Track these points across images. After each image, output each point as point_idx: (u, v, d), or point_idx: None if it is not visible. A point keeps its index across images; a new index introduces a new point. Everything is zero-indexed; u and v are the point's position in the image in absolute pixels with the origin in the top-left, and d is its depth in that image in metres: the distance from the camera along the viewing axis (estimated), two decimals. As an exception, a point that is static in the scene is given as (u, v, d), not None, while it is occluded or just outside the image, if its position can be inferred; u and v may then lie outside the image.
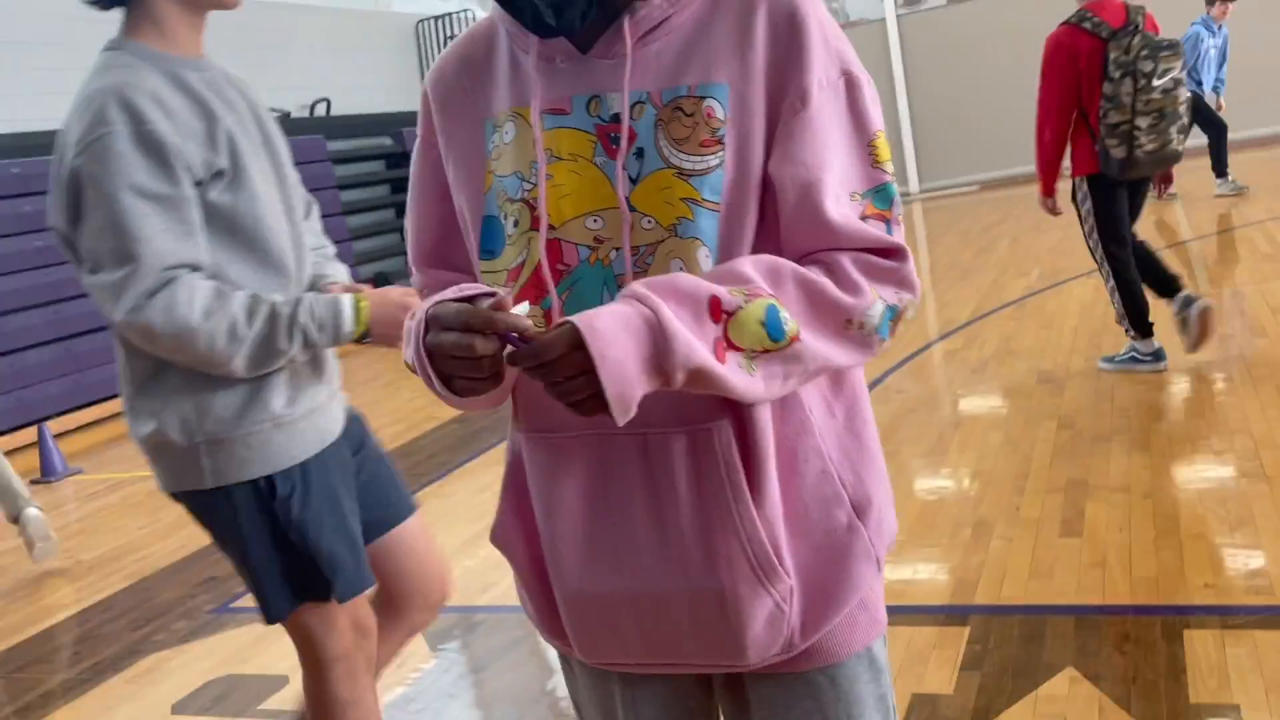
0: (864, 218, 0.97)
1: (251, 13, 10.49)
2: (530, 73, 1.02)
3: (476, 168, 1.06)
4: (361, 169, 10.73)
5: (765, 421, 0.98)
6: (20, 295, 7.35)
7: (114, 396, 7.86)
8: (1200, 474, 3.31)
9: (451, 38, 11.96)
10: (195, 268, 1.63)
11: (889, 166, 1.01)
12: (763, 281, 0.92)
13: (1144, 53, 3.95)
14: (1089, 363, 4.60)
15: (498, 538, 1.12)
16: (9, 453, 6.99)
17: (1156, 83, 3.95)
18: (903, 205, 1.03)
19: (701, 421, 0.97)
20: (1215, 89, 8.61)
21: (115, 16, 1.76)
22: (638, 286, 0.90)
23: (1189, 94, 4.14)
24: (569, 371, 0.85)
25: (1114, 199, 4.20)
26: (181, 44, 1.70)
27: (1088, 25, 4.07)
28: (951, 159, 13.04)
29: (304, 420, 1.78)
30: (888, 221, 0.98)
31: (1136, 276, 4.24)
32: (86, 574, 4.24)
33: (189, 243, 1.62)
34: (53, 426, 7.07)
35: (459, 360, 0.89)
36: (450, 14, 11.99)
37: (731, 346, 0.90)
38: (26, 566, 4.46)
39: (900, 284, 0.98)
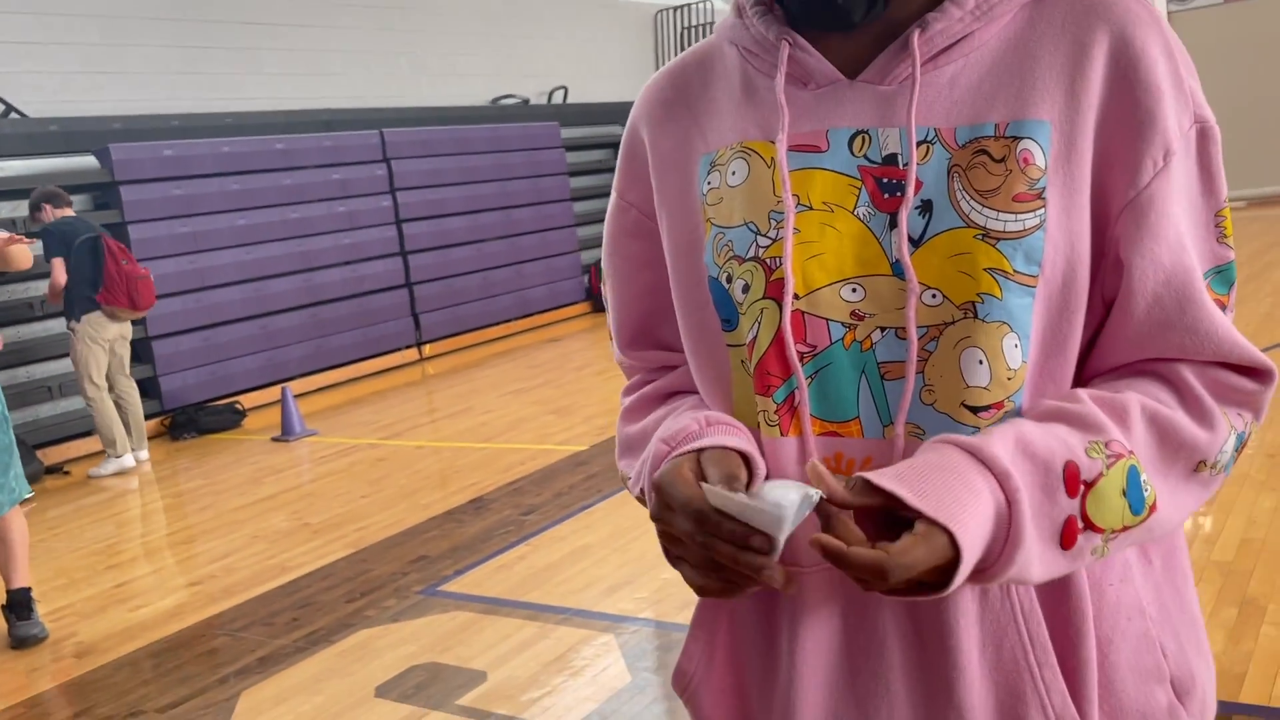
0: None
1: (500, 3, 10.80)
2: (777, 98, 0.81)
3: (690, 216, 0.86)
4: (591, 157, 10.91)
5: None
6: (276, 263, 7.89)
7: (353, 361, 8.35)
8: None
9: (690, 28, 11.96)
10: None
11: (1232, 240, 0.80)
12: (1115, 426, 0.72)
13: None
14: (1388, 421, 4.00)
15: (685, 685, 0.90)
16: (254, 409, 7.54)
17: None
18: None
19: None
20: None
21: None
22: (1001, 458, 0.69)
23: None
24: (908, 576, 0.67)
25: None
26: None
27: None
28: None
29: None
30: (1223, 309, 0.78)
31: None
32: (312, 538, 4.46)
33: None
34: (294, 387, 7.56)
35: (690, 556, 0.74)
36: (689, 3, 11.98)
37: (1089, 527, 0.70)
38: (263, 523, 4.75)
39: (1254, 409, 0.78)
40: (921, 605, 0.77)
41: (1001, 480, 0.68)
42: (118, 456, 6.16)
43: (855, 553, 0.66)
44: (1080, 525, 0.69)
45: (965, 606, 0.75)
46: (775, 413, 0.79)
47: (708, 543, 0.71)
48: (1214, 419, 0.75)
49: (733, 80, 0.87)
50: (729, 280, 0.82)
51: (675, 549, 0.75)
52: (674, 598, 3.33)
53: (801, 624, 0.80)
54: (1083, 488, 0.70)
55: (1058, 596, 0.76)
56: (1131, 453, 0.72)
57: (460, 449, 5.73)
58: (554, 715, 2.70)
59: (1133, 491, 0.71)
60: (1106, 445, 0.71)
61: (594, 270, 10.60)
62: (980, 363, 0.74)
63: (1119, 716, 0.78)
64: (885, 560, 0.65)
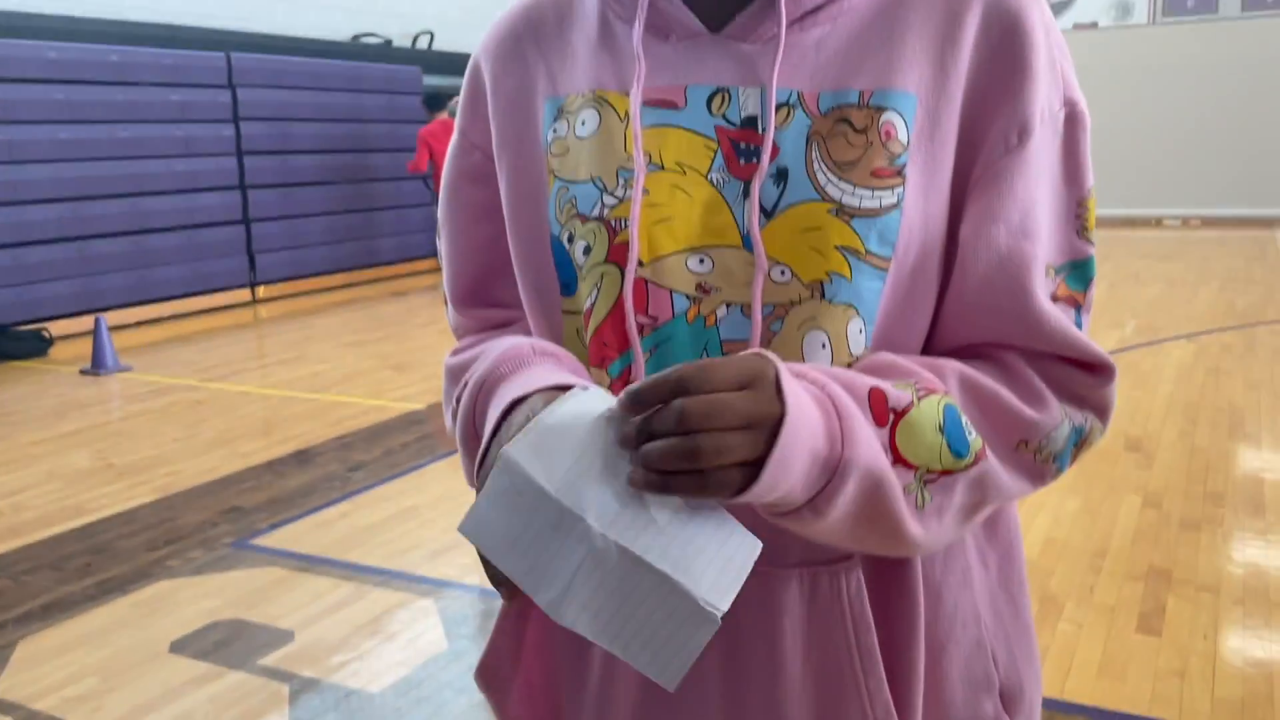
0: (1054, 299, 0.73)
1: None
2: (635, 47, 0.74)
3: (531, 165, 0.79)
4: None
5: (915, 565, 0.72)
6: (100, 183, 7.33)
7: (179, 296, 7.86)
8: (1297, 586, 3.02)
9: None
10: None
11: (1094, 235, 0.76)
12: (926, 373, 0.68)
13: None
14: (1182, 436, 4.29)
15: (489, 681, 0.84)
16: (63, 338, 7.02)
17: None
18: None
19: (823, 560, 0.71)
20: None
21: None
22: (804, 369, 0.65)
23: None
24: (728, 420, 0.57)
25: None
26: None
27: None
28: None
29: None
30: (1078, 308, 0.74)
31: None
32: (115, 480, 4.16)
33: None
34: (111, 319, 7.06)
35: None
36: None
37: (899, 461, 0.64)
38: (61, 460, 4.40)
39: (1095, 408, 0.73)
40: (742, 604, 0.68)
41: (799, 374, 0.63)
42: None
43: (652, 379, 0.57)
44: (893, 458, 0.64)
45: (790, 608, 0.70)
46: (609, 387, 0.74)
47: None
48: (1044, 400, 0.71)
49: (590, 24, 0.80)
50: (570, 240, 0.75)
51: None
52: (499, 565, 3.25)
53: None
54: (892, 416, 0.64)
55: (891, 598, 0.72)
56: (947, 393, 0.67)
57: (288, 398, 5.47)
58: (362, 680, 2.59)
59: (952, 430, 0.66)
60: (915, 382, 0.67)
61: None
62: (824, 346, 0.70)
63: None
64: (683, 370, 0.57)
